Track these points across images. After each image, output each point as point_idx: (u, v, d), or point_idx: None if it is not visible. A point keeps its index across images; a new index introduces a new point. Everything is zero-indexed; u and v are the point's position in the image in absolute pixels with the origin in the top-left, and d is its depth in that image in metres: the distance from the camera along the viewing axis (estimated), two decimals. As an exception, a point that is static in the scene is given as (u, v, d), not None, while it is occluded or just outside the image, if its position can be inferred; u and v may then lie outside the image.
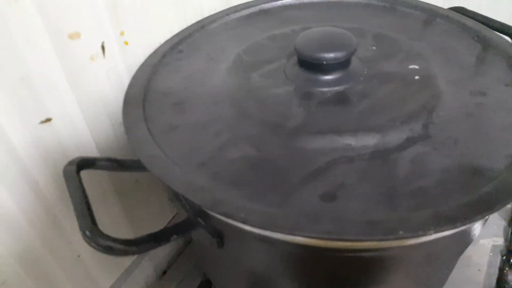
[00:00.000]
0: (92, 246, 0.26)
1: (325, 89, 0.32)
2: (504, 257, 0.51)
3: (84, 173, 0.38)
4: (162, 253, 0.53)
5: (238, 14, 0.44)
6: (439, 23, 0.40)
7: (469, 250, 0.52)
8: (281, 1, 0.45)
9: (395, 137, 0.28)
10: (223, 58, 0.37)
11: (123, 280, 0.48)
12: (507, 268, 0.50)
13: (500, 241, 0.53)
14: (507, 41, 0.36)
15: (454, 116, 0.29)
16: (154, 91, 0.34)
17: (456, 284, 0.49)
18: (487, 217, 0.31)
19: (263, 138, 0.29)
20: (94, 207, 0.40)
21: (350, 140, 0.28)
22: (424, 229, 0.22)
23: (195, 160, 0.28)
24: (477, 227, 0.30)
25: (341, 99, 0.31)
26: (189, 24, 0.43)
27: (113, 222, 0.43)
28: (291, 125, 0.29)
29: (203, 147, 0.29)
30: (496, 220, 0.56)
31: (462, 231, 0.28)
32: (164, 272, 0.53)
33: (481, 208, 0.23)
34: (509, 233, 0.53)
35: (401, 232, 0.22)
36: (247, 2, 0.45)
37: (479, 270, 0.51)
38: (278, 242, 0.26)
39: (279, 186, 0.25)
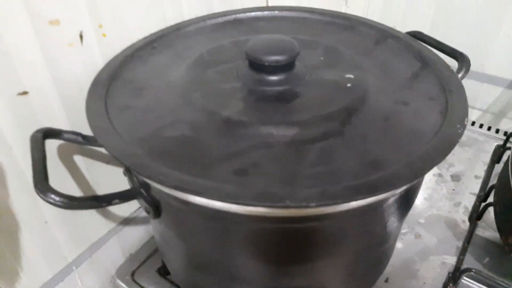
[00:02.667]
0: (41, 197, 0.30)
1: (267, 88, 0.36)
2: (451, 274, 0.53)
3: (58, 149, 0.43)
4: (130, 236, 0.57)
5: (214, 21, 0.49)
6: (389, 43, 0.44)
7: (418, 264, 0.55)
8: (254, 13, 0.50)
9: (312, 131, 0.32)
10: (188, 56, 0.42)
11: (89, 255, 0.52)
12: (451, 284, 0.52)
13: (450, 259, 0.55)
14: (444, 62, 0.40)
15: (371, 119, 0.33)
16: (122, 77, 0.39)
17: (399, 294, 0.51)
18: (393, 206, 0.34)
19: (199, 122, 0.33)
20: (64, 181, 0.45)
21: (272, 130, 0.32)
22: (307, 201, 0.25)
23: (137, 135, 0.32)
24: (382, 220, 0.34)
25: (278, 97, 0.35)
26: (168, 25, 0.48)
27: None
28: (226, 113, 0.33)
29: (147, 126, 0.33)
30: (450, 240, 0.58)
31: (364, 214, 0.31)
32: (130, 254, 0.57)
33: (362, 190, 0.26)
34: (460, 252, 0.55)
35: (287, 201, 0.25)
36: (224, 11, 0.50)
37: (424, 283, 0.53)
38: (197, 207, 0.29)
39: (201, 161, 0.30)
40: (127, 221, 0.56)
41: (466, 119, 0.32)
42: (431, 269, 0.54)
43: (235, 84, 0.37)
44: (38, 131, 0.36)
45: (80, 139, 0.38)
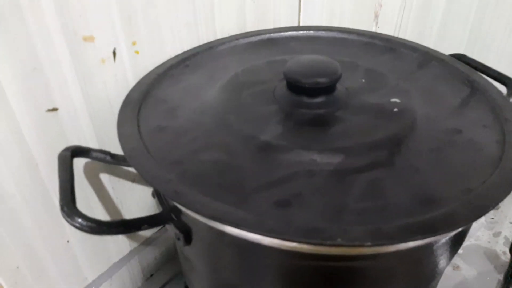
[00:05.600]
0: (67, 221, 0.28)
1: (306, 111, 0.34)
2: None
3: (85, 168, 0.41)
4: (151, 256, 0.55)
5: (247, 40, 0.47)
6: (434, 65, 0.42)
7: (457, 298, 0.52)
8: (289, 33, 0.49)
9: (358, 159, 0.29)
10: (221, 76, 0.40)
11: (109, 275, 0.50)
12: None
13: (490, 294, 0.52)
14: (495, 87, 0.37)
15: (423, 148, 0.31)
16: (154, 96, 0.38)
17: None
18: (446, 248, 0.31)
19: (236, 147, 0.31)
20: (88, 198, 0.43)
21: (315, 157, 0.29)
22: (361, 240, 0.23)
23: (171, 158, 0.30)
24: (437, 260, 0.31)
25: (318, 121, 0.33)
26: (201, 43, 0.46)
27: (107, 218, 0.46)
28: (264, 138, 0.31)
29: (181, 148, 0.31)
30: (491, 273, 0.54)
31: (414, 254, 0.29)
32: (152, 275, 0.55)
33: (420, 230, 0.24)
34: (501, 287, 0.52)
35: (339, 239, 0.23)
36: (257, 31, 0.49)
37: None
38: (233, 239, 0.27)
39: (240, 189, 0.27)
40: (149, 241, 0.55)
41: (527, 151, 0.30)
42: (470, 303, 0.51)
43: (272, 106, 0.35)
44: (66, 149, 0.34)
45: (108, 158, 0.37)
